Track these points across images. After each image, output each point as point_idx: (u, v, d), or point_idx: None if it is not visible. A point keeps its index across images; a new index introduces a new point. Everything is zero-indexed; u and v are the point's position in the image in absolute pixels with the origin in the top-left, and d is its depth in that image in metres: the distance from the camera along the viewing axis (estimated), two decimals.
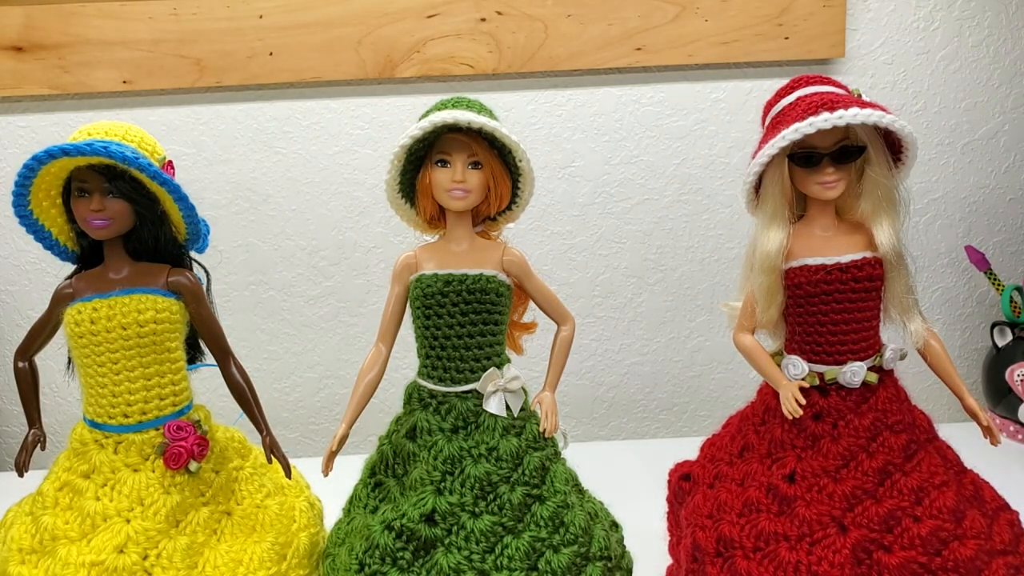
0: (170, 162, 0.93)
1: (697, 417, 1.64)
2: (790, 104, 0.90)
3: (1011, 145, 1.55)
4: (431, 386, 0.93)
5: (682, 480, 1.02)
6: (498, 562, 0.86)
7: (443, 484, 0.89)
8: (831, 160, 0.88)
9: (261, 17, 1.43)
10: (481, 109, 0.91)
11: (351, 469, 1.00)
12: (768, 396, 0.96)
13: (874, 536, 0.85)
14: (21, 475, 0.94)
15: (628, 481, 1.26)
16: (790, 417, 0.90)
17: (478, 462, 0.89)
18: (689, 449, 1.07)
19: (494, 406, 0.92)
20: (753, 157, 0.89)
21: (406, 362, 0.98)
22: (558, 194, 1.53)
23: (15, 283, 1.53)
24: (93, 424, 0.92)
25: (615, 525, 1.00)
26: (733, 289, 1.01)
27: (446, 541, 0.87)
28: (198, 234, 0.95)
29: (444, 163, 0.90)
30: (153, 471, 0.90)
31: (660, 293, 1.58)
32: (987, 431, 0.93)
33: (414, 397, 0.95)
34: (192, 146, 1.49)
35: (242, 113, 1.49)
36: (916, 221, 1.55)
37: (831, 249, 0.90)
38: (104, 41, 1.43)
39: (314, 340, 1.57)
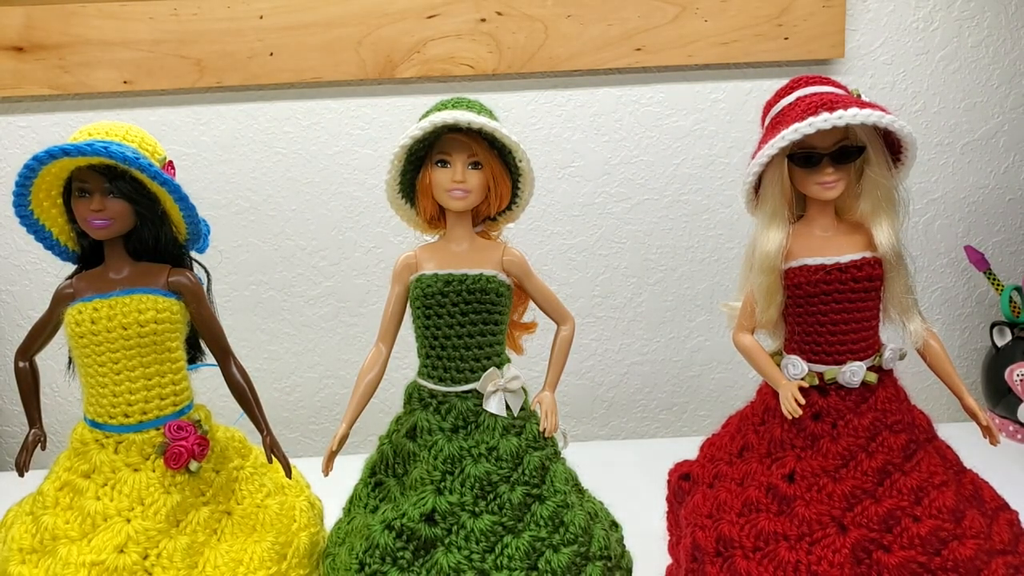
0: (170, 162, 0.93)
1: (697, 417, 1.64)
2: (790, 104, 0.90)
3: (1010, 145, 1.55)
4: (431, 386, 0.93)
5: (682, 480, 1.02)
6: (498, 562, 0.86)
7: (443, 484, 0.89)
8: (831, 160, 0.88)
9: (261, 17, 1.43)
10: (481, 109, 0.91)
11: (351, 469, 1.00)
12: (768, 396, 0.96)
13: (874, 536, 0.85)
14: (21, 475, 0.94)
15: (628, 481, 1.26)
16: (789, 417, 0.90)
17: (478, 462, 0.89)
18: (689, 449, 1.07)
19: (494, 406, 0.92)
20: (753, 157, 0.89)
21: (406, 362, 0.98)
22: (558, 194, 1.54)
23: (15, 283, 1.54)
24: (94, 424, 0.92)
25: (615, 525, 1.00)
26: (733, 289, 1.01)
27: (446, 541, 0.87)
28: (198, 234, 0.95)
29: (444, 163, 0.90)
30: (153, 471, 0.90)
31: (660, 293, 1.58)
32: (986, 431, 0.93)
33: (414, 397, 0.95)
34: (192, 146, 1.49)
35: (242, 113, 1.49)
36: (915, 221, 1.55)
37: (831, 249, 0.90)
38: (104, 41, 1.43)
39: (314, 340, 1.57)
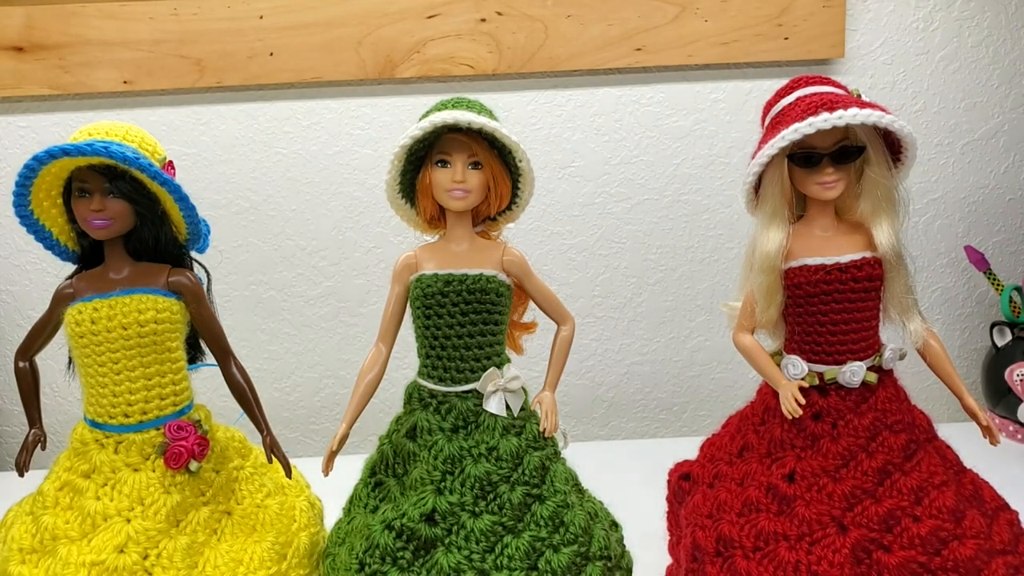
0: (170, 162, 0.93)
1: (697, 417, 1.64)
2: (790, 104, 0.90)
3: (1010, 145, 1.55)
4: (431, 386, 0.93)
5: (682, 480, 1.02)
6: (498, 562, 0.86)
7: (443, 484, 0.89)
8: (831, 160, 0.88)
9: (261, 17, 1.43)
10: (481, 109, 0.91)
11: (351, 469, 1.00)
12: (768, 396, 0.96)
13: (874, 536, 0.85)
14: (21, 475, 0.94)
15: (628, 481, 1.26)
16: (789, 417, 0.90)
17: (478, 462, 0.89)
18: (689, 449, 1.07)
19: (494, 406, 0.92)
20: (753, 157, 0.89)
21: (406, 362, 0.98)
22: (558, 194, 1.54)
23: (15, 283, 1.54)
24: (94, 424, 0.92)
25: (615, 525, 1.00)
26: (733, 289, 1.01)
27: (446, 541, 0.87)
28: (198, 234, 0.95)
29: (444, 163, 0.90)
30: (153, 471, 0.90)
31: (660, 293, 1.58)
32: (986, 431, 0.93)
33: (414, 397, 0.95)
34: (192, 146, 1.49)
35: (242, 113, 1.49)
36: (916, 221, 1.55)
37: (831, 249, 0.90)
38: (104, 41, 1.43)
39: (314, 340, 1.57)
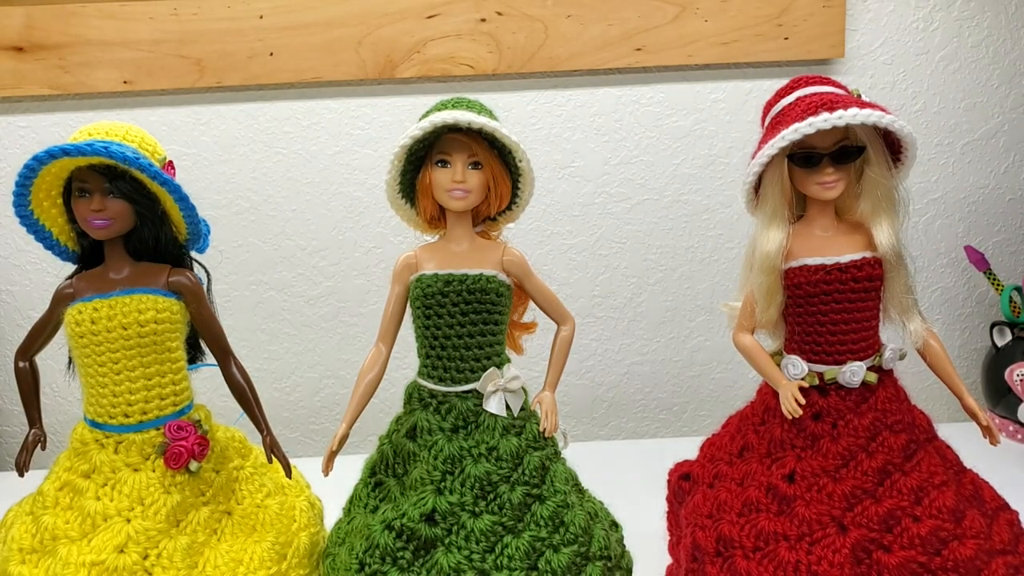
0: (171, 162, 0.93)
1: (697, 417, 1.64)
2: (790, 104, 0.90)
3: (1011, 145, 1.55)
4: (431, 386, 0.93)
5: (682, 480, 1.02)
6: (498, 562, 0.86)
7: (443, 484, 0.89)
8: (831, 160, 0.88)
9: (261, 17, 1.43)
10: (481, 109, 0.91)
11: (351, 469, 1.00)
12: (768, 396, 0.96)
13: (874, 536, 0.85)
14: (21, 475, 0.94)
15: (628, 481, 1.26)
16: (790, 417, 0.90)
17: (478, 462, 0.89)
18: (689, 449, 1.07)
19: (494, 406, 0.92)
20: (753, 157, 0.89)
21: (406, 362, 0.98)
22: (558, 194, 1.54)
23: (15, 283, 1.54)
24: (94, 424, 0.92)
25: (615, 525, 1.00)
26: (733, 289, 1.01)
27: (446, 541, 0.87)
28: (198, 234, 0.95)
29: (444, 163, 0.90)
30: (153, 471, 0.90)
31: (660, 293, 1.58)
32: (986, 431, 0.93)
33: (414, 397, 0.95)
34: (192, 146, 1.49)
35: (242, 113, 1.49)
36: (916, 221, 1.55)
37: (831, 249, 0.90)
38: (104, 41, 1.43)
39: (314, 340, 1.57)
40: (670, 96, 1.51)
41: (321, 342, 1.57)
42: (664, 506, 1.06)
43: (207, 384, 1.02)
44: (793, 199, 0.92)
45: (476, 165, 0.90)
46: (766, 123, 0.94)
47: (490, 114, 0.91)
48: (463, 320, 0.91)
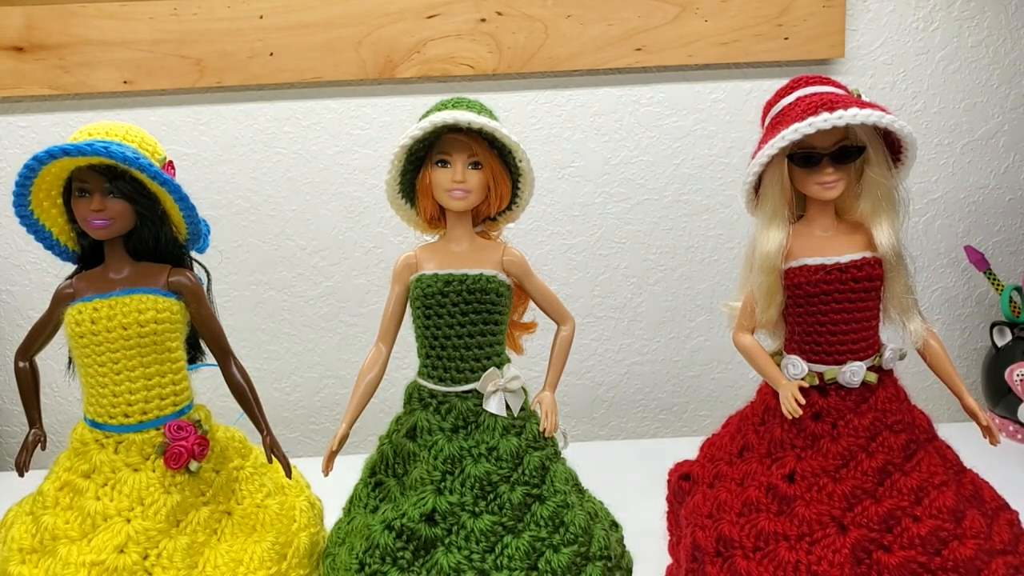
0: (171, 162, 0.93)
1: (697, 417, 1.64)
2: (790, 104, 0.90)
3: (1011, 145, 1.55)
4: (431, 386, 0.93)
5: (682, 480, 1.02)
6: (498, 562, 0.86)
7: (443, 484, 0.89)
8: (830, 160, 0.88)
9: (261, 17, 1.43)
10: (481, 109, 0.91)
11: (351, 469, 1.00)
12: (768, 396, 0.96)
13: (874, 536, 0.85)
14: (21, 475, 0.94)
15: (628, 481, 1.26)
16: (790, 417, 0.90)
17: (478, 462, 0.89)
18: (689, 449, 1.07)
19: (494, 406, 0.92)
20: (753, 157, 0.89)
21: (406, 362, 0.98)
22: (558, 194, 1.54)
23: (15, 283, 1.54)
24: (94, 424, 0.92)
25: (615, 525, 1.00)
26: (733, 289, 1.01)
27: (446, 541, 0.87)
28: (198, 234, 0.95)
29: (444, 163, 0.90)
30: (153, 471, 0.90)
31: (660, 293, 1.58)
32: (986, 431, 0.93)
33: (414, 397, 0.95)
34: (192, 146, 1.49)
35: (242, 113, 1.49)
36: (916, 221, 1.55)
37: (831, 249, 0.90)
38: (104, 41, 1.43)
39: (314, 340, 1.57)
40: (670, 96, 1.51)
41: (321, 342, 1.57)
42: (664, 506, 1.06)
43: (207, 384, 1.02)
44: (793, 199, 0.92)
45: (476, 165, 0.90)
46: (766, 123, 0.94)
47: (490, 114, 0.91)
48: (463, 320, 0.91)
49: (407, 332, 0.96)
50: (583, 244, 1.56)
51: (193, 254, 0.97)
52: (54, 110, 1.48)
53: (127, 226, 0.90)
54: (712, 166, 1.53)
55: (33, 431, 0.95)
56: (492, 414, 0.92)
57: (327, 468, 0.93)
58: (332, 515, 1.02)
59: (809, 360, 0.92)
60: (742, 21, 1.45)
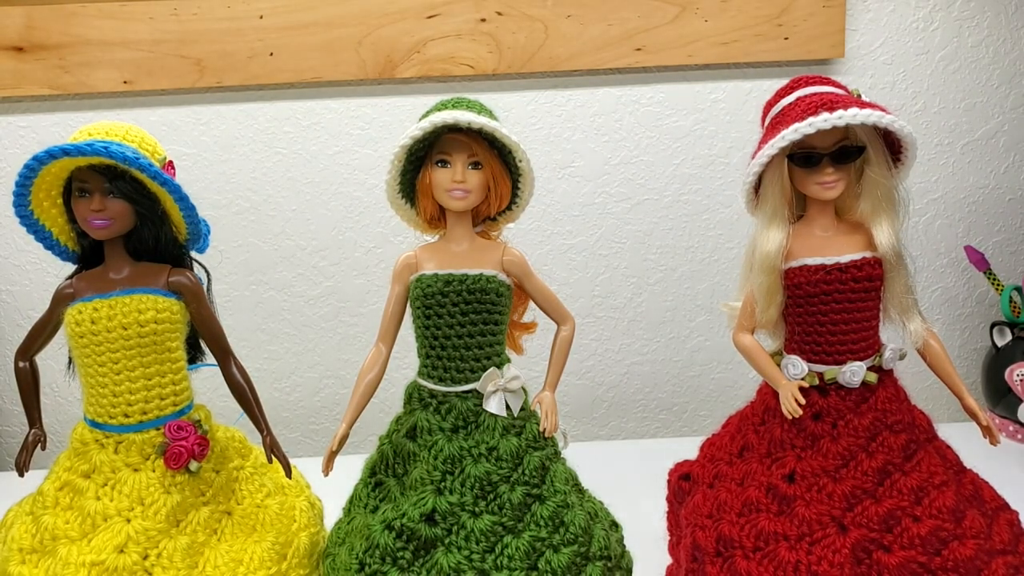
0: (171, 162, 0.93)
1: (697, 417, 1.64)
2: (790, 104, 0.90)
3: (1011, 145, 1.55)
4: (431, 386, 0.93)
5: (682, 480, 1.02)
6: (498, 562, 0.86)
7: (443, 484, 0.89)
8: (830, 160, 0.88)
9: (261, 17, 1.43)
10: (481, 109, 0.91)
11: (351, 469, 1.00)
12: (768, 396, 0.96)
13: (874, 536, 0.85)
14: (21, 475, 0.94)
15: (628, 481, 1.26)
16: (790, 417, 0.90)
17: (478, 462, 0.89)
18: (689, 449, 1.07)
19: (494, 406, 0.92)
20: (753, 157, 0.89)
21: (406, 362, 0.98)
22: (558, 194, 1.54)
23: (15, 283, 1.54)
24: (94, 424, 0.92)
25: (615, 525, 1.00)
26: (733, 289, 1.01)
27: (446, 541, 0.87)
28: (198, 234, 0.95)
29: (444, 163, 0.90)
30: (153, 471, 0.90)
31: (660, 293, 1.58)
32: (986, 431, 0.93)
33: (414, 397, 0.95)
34: (192, 146, 1.49)
35: (242, 113, 1.49)
36: (916, 221, 1.55)
37: (831, 249, 0.90)
38: (104, 41, 1.43)
39: (314, 340, 1.57)
40: (670, 96, 1.51)
41: (321, 342, 1.57)
42: (664, 506, 1.06)
43: (207, 384, 1.02)
44: (793, 199, 0.92)
45: (476, 165, 0.90)
46: (766, 123, 0.94)
47: (490, 114, 0.91)
48: (463, 320, 0.91)
49: (407, 332, 0.96)
50: (583, 244, 1.56)
51: (193, 254, 0.97)
52: (54, 110, 1.48)
53: (127, 226, 0.90)
54: (712, 166, 1.53)
55: (33, 431, 0.95)
56: (492, 414, 0.92)
57: (327, 468, 0.93)
58: (332, 515, 1.02)
59: (809, 360, 0.92)
60: (742, 21, 1.45)
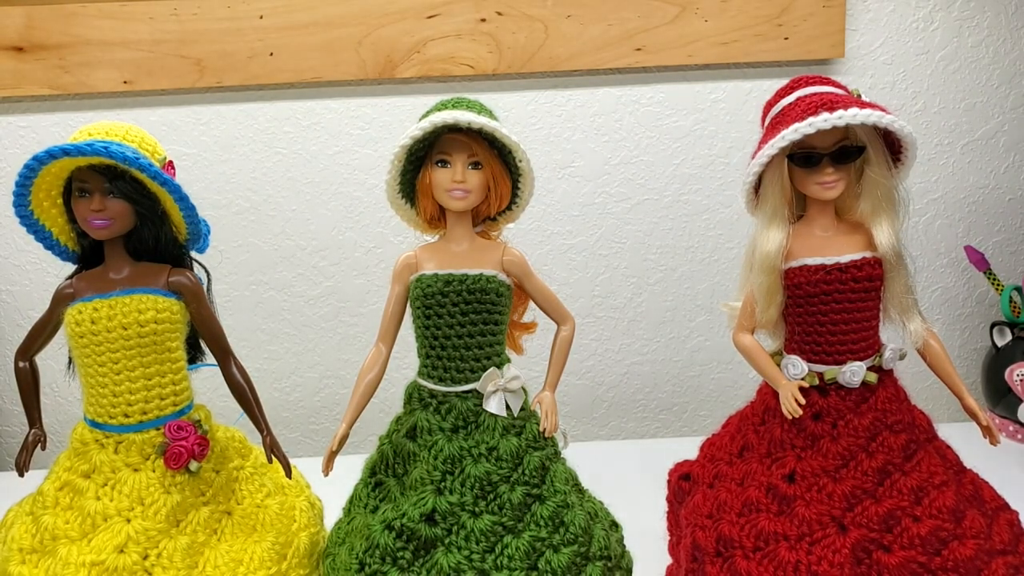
0: (171, 162, 0.93)
1: (697, 417, 1.64)
2: (790, 104, 0.90)
3: (1011, 145, 1.55)
4: (431, 386, 0.93)
5: (682, 480, 1.02)
6: (498, 562, 0.86)
7: (443, 484, 0.89)
8: (830, 160, 0.88)
9: (261, 17, 1.43)
10: (481, 109, 0.91)
11: (351, 469, 1.00)
12: (768, 396, 0.96)
13: (874, 536, 0.85)
14: (21, 475, 0.94)
15: (628, 481, 1.26)
16: (789, 417, 0.90)
17: (478, 462, 0.89)
18: (689, 449, 1.07)
19: (494, 406, 0.92)
20: (753, 157, 0.89)
21: (406, 362, 0.98)
22: (558, 194, 1.54)
23: (15, 283, 1.54)
24: (94, 424, 0.92)
25: (615, 525, 1.00)
26: (733, 289, 1.01)
27: (446, 541, 0.87)
28: (198, 234, 0.95)
29: (444, 163, 0.90)
30: (153, 471, 0.90)
31: (660, 293, 1.58)
32: (986, 431, 0.93)
33: (414, 397, 0.95)
34: (192, 146, 1.49)
35: (242, 113, 1.49)
36: (916, 221, 1.55)
37: (831, 249, 0.90)
38: (104, 41, 1.43)
39: (314, 340, 1.57)
40: (670, 96, 1.51)
41: (321, 342, 1.57)
42: (664, 506, 1.06)
43: (207, 384, 1.02)
44: (793, 199, 0.92)
45: (476, 165, 0.90)
46: (766, 123, 0.94)
47: (490, 114, 0.91)
48: (463, 320, 0.91)
49: (407, 332, 0.96)
50: (583, 244, 1.56)
51: (193, 254, 0.97)
52: (54, 110, 1.48)
53: (127, 226, 0.90)
54: (712, 166, 1.53)
55: (33, 431, 0.95)
56: (492, 414, 0.92)
57: (327, 468, 0.93)
58: (332, 515, 1.02)
59: (809, 360, 0.92)
60: (742, 21, 1.45)
